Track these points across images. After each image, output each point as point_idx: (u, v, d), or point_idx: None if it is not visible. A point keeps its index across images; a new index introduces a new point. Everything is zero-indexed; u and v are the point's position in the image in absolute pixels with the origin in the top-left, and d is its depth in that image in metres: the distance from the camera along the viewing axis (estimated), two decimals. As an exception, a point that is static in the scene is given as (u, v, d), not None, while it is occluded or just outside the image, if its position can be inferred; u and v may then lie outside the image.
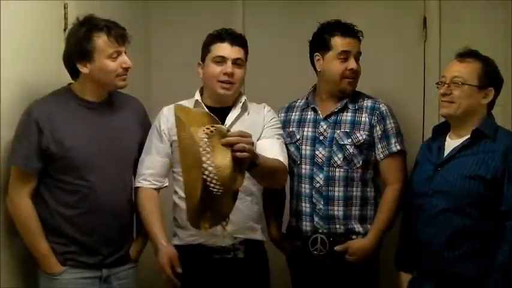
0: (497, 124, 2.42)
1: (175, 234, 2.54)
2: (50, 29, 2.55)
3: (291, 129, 2.74)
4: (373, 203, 2.67)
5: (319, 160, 2.66)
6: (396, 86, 3.05)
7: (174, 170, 2.54)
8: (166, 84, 3.30)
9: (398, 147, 2.65)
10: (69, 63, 2.36)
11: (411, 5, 3.10)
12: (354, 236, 2.63)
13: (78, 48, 2.31)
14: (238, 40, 2.50)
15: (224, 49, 2.47)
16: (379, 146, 2.65)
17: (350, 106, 2.67)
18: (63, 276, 2.33)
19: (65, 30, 2.55)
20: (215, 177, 1.98)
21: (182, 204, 2.47)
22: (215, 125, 2.06)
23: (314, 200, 2.65)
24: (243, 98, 2.56)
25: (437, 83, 2.47)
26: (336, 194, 2.63)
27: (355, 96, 2.70)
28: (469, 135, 2.39)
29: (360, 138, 2.63)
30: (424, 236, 2.40)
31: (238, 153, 2.02)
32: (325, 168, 2.64)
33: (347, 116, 2.67)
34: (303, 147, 2.69)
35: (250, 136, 2.09)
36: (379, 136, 2.64)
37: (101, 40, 2.30)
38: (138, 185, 2.51)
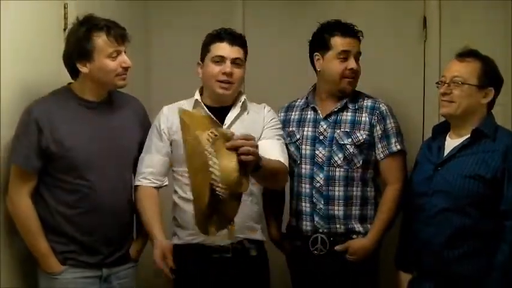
0: (497, 124, 2.43)
1: (174, 234, 2.54)
2: (50, 29, 2.55)
3: (290, 128, 2.74)
4: (373, 203, 2.67)
5: (320, 160, 2.66)
6: (396, 86, 3.05)
7: (174, 169, 2.54)
8: (166, 84, 3.30)
9: (399, 147, 2.65)
10: (69, 63, 2.36)
11: (411, 5, 3.10)
12: (354, 236, 2.63)
13: (77, 47, 2.31)
14: (238, 40, 2.50)
15: (223, 49, 2.47)
16: (379, 145, 2.65)
17: (350, 106, 2.68)
18: (63, 275, 2.34)
19: (64, 30, 2.55)
20: (222, 182, 1.97)
21: (182, 204, 2.49)
22: (218, 129, 2.07)
23: (314, 200, 2.65)
24: (243, 98, 2.56)
25: (437, 83, 2.47)
26: (336, 193, 2.63)
27: (355, 96, 2.70)
28: (469, 135, 2.39)
29: (360, 138, 2.63)
30: (423, 235, 2.40)
31: (243, 157, 2.01)
32: (325, 168, 2.64)
33: (347, 115, 2.67)
34: (303, 146, 2.69)
35: (254, 139, 2.09)
36: (379, 136, 2.64)
37: (100, 39, 2.30)
38: (137, 183, 2.51)
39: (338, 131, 2.65)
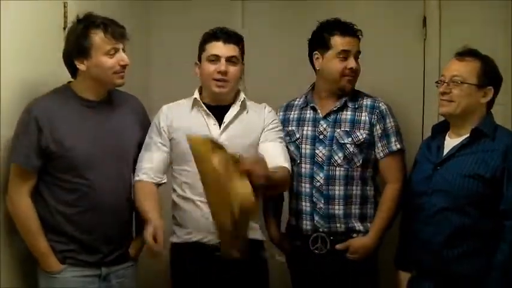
0: (496, 123, 2.43)
1: (173, 232, 2.54)
2: (50, 28, 2.55)
3: (290, 128, 2.74)
4: (373, 202, 2.67)
5: (320, 159, 2.66)
6: (396, 85, 3.04)
7: (173, 167, 2.54)
8: (165, 83, 3.30)
9: (398, 146, 2.65)
10: (68, 61, 2.36)
11: (411, 5, 3.09)
12: (354, 235, 2.64)
13: (75, 45, 2.31)
14: (232, 38, 2.51)
15: (218, 47, 2.48)
16: (379, 144, 2.65)
17: (349, 105, 2.68)
18: (63, 274, 2.34)
19: (64, 29, 2.55)
20: (240, 207, 2.01)
21: (181, 203, 2.50)
22: (226, 153, 2.08)
23: (314, 199, 2.65)
24: (242, 96, 2.57)
25: (436, 82, 2.47)
26: (336, 192, 2.63)
27: (355, 95, 2.70)
28: (468, 134, 2.39)
29: (360, 137, 2.63)
30: (423, 235, 2.39)
31: (256, 181, 2.04)
32: (325, 167, 2.64)
33: (347, 114, 2.67)
34: (303, 146, 2.69)
35: (264, 160, 2.11)
36: (379, 135, 2.64)
37: (97, 37, 2.30)
38: (137, 178, 2.49)
39: (338, 130, 2.65)
